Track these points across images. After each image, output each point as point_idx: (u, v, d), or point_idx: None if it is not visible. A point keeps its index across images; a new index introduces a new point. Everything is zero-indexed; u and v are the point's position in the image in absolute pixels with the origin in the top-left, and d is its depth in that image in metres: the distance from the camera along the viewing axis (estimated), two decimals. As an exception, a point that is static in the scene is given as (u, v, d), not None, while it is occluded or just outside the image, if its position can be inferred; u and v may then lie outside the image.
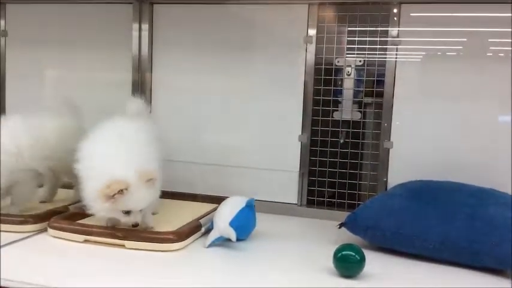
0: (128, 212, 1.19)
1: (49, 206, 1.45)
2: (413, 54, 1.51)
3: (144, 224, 1.27)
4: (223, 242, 1.24)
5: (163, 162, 1.34)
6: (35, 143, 1.35)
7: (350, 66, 1.57)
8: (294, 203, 1.63)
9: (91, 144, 1.26)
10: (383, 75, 1.53)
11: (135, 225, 1.20)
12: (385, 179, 1.55)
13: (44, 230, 1.29)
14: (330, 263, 1.09)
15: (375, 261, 1.15)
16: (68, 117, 1.50)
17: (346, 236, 1.28)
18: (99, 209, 1.18)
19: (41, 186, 1.54)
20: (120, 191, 1.14)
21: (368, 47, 1.54)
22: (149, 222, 1.28)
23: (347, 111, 1.59)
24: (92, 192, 1.17)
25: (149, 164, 1.24)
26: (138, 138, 1.32)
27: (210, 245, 1.23)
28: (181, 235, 1.23)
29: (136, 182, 1.16)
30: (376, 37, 1.53)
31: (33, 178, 1.37)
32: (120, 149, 1.24)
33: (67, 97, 1.58)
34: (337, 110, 1.60)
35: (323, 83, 1.59)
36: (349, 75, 1.58)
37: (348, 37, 1.56)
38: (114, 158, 1.21)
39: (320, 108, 1.60)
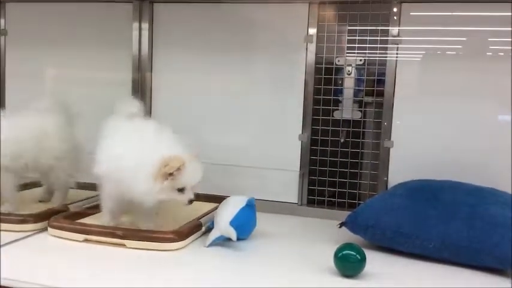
0: (181, 190, 1.19)
1: (49, 205, 1.45)
2: (413, 53, 1.51)
3: (146, 225, 1.27)
4: (223, 241, 1.24)
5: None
6: (7, 140, 1.32)
7: (350, 65, 1.57)
8: (295, 202, 1.63)
9: (120, 143, 1.25)
10: (383, 74, 1.53)
11: (191, 201, 1.20)
12: (385, 179, 1.55)
13: (44, 229, 1.28)
14: (330, 262, 1.09)
15: (375, 261, 1.15)
16: (56, 117, 1.47)
17: (347, 236, 1.27)
18: (158, 191, 1.16)
19: (39, 186, 1.54)
20: (178, 168, 1.15)
21: (368, 46, 1.54)
22: (150, 226, 1.27)
23: (347, 111, 1.59)
24: (146, 178, 1.16)
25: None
26: (163, 132, 1.30)
27: (210, 245, 1.23)
28: (181, 234, 1.23)
29: (189, 158, 1.18)
30: (377, 36, 1.52)
31: (7, 172, 1.34)
32: (156, 137, 1.24)
33: (58, 97, 1.57)
34: (337, 109, 1.60)
35: (323, 82, 1.58)
36: (349, 74, 1.58)
37: (348, 36, 1.56)
38: (156, 145, 1.21)
39: (320, 107, 1.60)
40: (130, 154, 1.20)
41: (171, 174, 1.15)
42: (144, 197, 1.18)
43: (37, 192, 1.54)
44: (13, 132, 1.35)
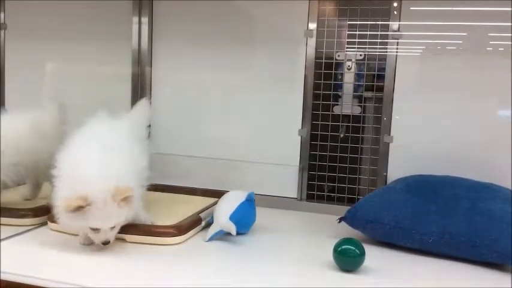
0: (96, 229, 1.08)
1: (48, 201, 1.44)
2: (414, 48, 1.50)
3: (142, 222, 1.24)
4: (223, 236, 1.24)
5: (157, 156, 1.25)
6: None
7: (350, 60, 1.57)
8: (294, 197, 1.63)
9: (69, 149, 1.16)
10: (383, 69, 1.52)
11: (106, 243, 1.10)
12: (385, 174, 1.55)
13: (44, 224, 1.29)
14: (329, 257, 1.09)
15: (374, 255, 1.15)
16: (50, 115, 1.44)
17: (346, 230, 1.28)
18: (65, 221, 1.09)
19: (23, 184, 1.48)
20: (80, 207, 1.03)
21: (368, 41, 1.54)
22: (146, 220, 1.25)
23: (347, 106, 1.59)
24: (58, 201, 1.07)
25: (128, 176, 1.14)
26: (120, 146, 1.21)
27: (210, 239, 1.23)
28: (181, 229, 1.23)
29: (104, 199, 1.05)
30: (377, 31, 1.52)
31: None
32: (96, 157, 1.11)
33: (55, 93, 1.56)
34: (337, 105, 1.60)
35: (323, 77, 1.58)
36: (349, 69, 1.58)
37: (348, 31, 1.56)
38: (87, 168, 1.08)
39: (320, 102, 1.60)
40: (65, 166, 1.12)
41: (72, 211, 1.03)
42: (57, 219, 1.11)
43: (21, 190, 1.46)
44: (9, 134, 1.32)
